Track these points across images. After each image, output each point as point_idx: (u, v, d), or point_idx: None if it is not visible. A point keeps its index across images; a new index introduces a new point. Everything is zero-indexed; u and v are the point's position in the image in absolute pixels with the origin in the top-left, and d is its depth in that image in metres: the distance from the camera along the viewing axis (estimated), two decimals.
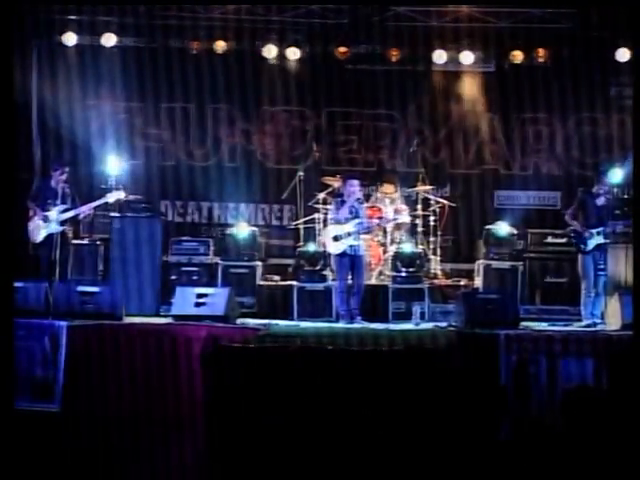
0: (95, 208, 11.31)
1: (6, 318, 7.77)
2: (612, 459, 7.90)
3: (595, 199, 10.87)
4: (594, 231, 10.73)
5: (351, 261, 10.84)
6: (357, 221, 10.87)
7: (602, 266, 10.81)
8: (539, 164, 13.74)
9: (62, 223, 10.74)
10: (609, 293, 10.87)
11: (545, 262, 12.35)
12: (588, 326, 10.43)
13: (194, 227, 13.65)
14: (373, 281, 11.83)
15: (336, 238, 10.91)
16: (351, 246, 10.85)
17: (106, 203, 11.31)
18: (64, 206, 10.81)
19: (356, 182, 11.05)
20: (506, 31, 13.09)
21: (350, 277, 10.86)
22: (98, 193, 11.79)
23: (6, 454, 7.72)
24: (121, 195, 11.18)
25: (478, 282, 12.25)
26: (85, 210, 11.14)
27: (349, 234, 10.83)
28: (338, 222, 10.97)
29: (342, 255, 10.88)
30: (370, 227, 11.36)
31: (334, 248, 10.95)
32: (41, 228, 10.72)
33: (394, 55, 13.28)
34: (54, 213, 10.73)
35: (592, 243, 10.74)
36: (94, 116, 13.54)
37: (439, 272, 12.45)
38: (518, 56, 13.23)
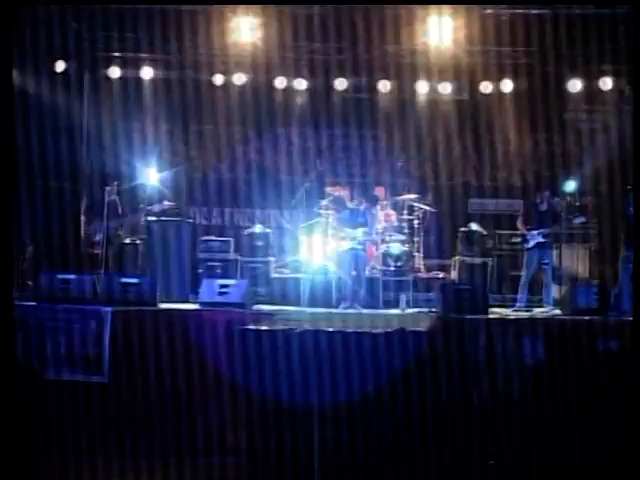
0: (137, 214, 11.34)
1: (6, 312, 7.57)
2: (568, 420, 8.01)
3: (538, 206, 11.01)
4: (535, 232, 10.81)
5: (351, 258, 10.85)
6: (365, 229, 10.92)
7: (546, 260, 10.89)
8: (505, 177, 13.72)
9: (109, 227, 10.74)
10: (564, 283, 10.95)
11: (510, 258, 12.35)
12: (545, 312, 10.47)
13: (218, 229, 13.63)
14: (367, 274, 11.80)
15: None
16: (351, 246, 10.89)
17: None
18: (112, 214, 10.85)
19: (354, 191, 11.13)
20: (477, 66, 13.09)
21: (349, 271, 10.86)
22: (140, 202, 11.86)
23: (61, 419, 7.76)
24: (162, 207, 11.22)
25: (454, 275, 12.24)
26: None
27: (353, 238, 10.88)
28: (340, 225, 11.01)
29: (343, 253, 10.89)
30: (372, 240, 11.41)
31: (337, 247, 11.00)
32: (94, 232, 10.74)
33: (385, 86, 13.27)
34: (104, 219, 10.71)
35: (532, 242, 10.84)
36: (135, 137, 13.52)
37: (422, 266, 12.42)
38: (488, 87, 13.23)
